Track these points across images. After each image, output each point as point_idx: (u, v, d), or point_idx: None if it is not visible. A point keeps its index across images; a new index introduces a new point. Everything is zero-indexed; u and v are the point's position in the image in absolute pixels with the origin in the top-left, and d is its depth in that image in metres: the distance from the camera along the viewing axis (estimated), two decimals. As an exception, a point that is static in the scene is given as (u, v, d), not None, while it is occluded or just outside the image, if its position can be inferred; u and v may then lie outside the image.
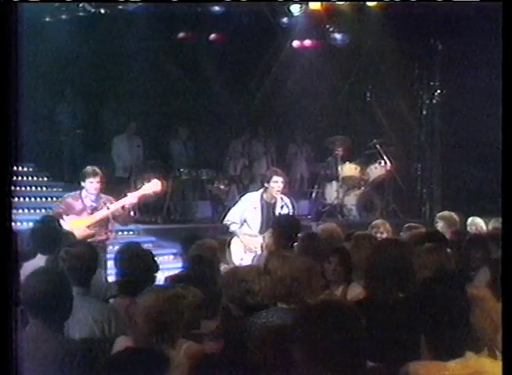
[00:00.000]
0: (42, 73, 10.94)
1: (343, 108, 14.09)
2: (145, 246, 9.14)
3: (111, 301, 4.63)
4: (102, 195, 7.27)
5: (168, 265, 8.14)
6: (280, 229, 5.98)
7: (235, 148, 13.46)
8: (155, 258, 4.74)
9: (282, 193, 7.54)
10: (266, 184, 7.51)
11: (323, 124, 13.85)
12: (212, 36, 12.93)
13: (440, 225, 7.25)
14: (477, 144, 11.77)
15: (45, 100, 11.88)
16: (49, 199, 10.59)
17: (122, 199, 7.25)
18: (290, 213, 7.35)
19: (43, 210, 10.04)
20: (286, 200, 7.54)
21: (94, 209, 7.13)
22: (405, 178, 13.17)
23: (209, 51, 13.03)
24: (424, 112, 13.70)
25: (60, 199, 7.56)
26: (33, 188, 10.75)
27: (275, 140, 13.99)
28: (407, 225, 7.02)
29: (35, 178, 11.14)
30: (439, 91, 13.45)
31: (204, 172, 12.16)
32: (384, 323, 3.39)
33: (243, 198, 7.98)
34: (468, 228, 7.28)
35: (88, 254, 4.60)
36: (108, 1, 10.00)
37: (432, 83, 13.52)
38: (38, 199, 10.56)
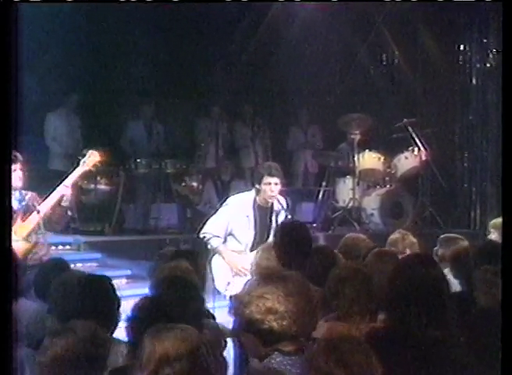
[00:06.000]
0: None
1: (361, 78, 14.10)
2: (88, 265, 9.63)
3: None
4: (25, 191, 7.08)
5: (121, 291, 8.10)
6: (283, 242, 6.00)
7: (216, 131, 13.26)
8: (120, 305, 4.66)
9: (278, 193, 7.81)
10: (257, 186, 7.77)
11: (334, 99, 14.02)
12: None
13: (493, 237, 7.37)
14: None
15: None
16: None
17: (55, 192, 6.99)
18: (291, 219, 7.71)
19: None
20: (283, 201, 7.86)
21: (25, 212, 6.94)
22: (447, 172, 13.22)
23: (178, 6, 12.71)
24: (475, 81, 13.78)
25: None
26: None
27: (271, 121, 13.89)
28: (443, 236, 7.14)
29: None
30: (494, 51, 13.38)
31: (169, 163, 12.00)
32: (404, 362, 3.61)
33: (228, 201, 8.02)
34: None
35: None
36: (108, 1, 10.63)
37: (484, 41, 13.57)
38: None
